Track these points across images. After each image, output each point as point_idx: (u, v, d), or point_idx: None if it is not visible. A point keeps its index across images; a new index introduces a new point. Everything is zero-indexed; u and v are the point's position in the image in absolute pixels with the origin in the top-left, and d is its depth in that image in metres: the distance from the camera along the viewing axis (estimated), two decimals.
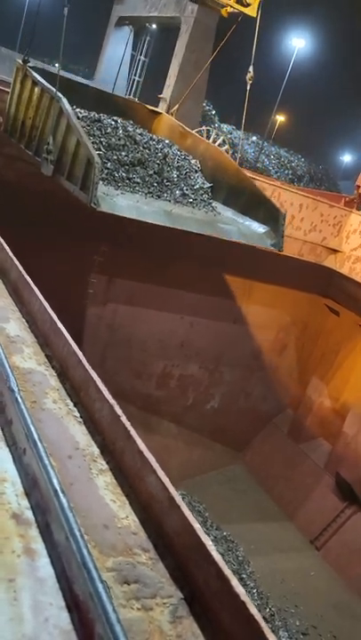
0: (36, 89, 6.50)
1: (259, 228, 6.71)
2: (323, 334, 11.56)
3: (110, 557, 1.56)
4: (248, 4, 7.62)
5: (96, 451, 2.00)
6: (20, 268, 2.96)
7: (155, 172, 6.80)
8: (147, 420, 10.25)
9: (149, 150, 6.93)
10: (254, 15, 7.70)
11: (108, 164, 6.48)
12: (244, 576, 7.36)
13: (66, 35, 6.24)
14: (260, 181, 9.52)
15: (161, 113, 8.06)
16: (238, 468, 11.27)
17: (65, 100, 5.97)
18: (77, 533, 1.44)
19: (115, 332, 9.63)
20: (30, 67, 6.73)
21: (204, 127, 12.11)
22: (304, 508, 10.40)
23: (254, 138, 20.47)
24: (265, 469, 11.11)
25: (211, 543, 1.44)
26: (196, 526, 1.46)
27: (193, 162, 7.47)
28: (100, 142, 6.59)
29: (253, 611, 1.20)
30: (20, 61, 6.80)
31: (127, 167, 6.60)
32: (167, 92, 13.35)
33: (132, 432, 1.80)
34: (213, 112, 19.12)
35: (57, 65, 6.80)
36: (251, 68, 7.99)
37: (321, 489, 10.47)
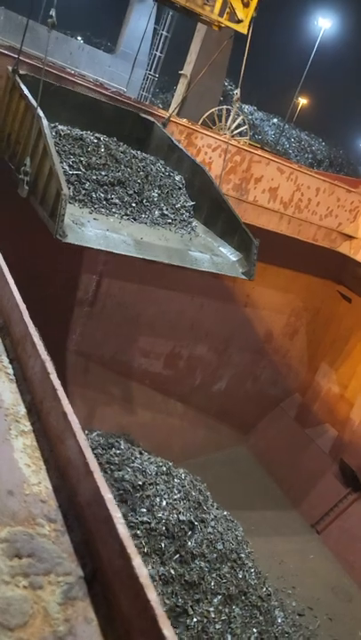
0: (22, 103, 6.31)
1: (232, 255, 6.61)
2: (334, 321, 11.49)
3: (6, 527, 1.38)
4: (240, 21, 7.29)
5: (22, 410, 1.83)
6: None
7: (135, 192, 6.66)
8: (153, 398, 10.33)
9: (131, 169, 6.78)
10: (245, 32, 7.38)
11: (87, 185, 6.33)
12: (242, 555, 7.44)
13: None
14: (277, 163, 9.42)
15: (154, 123, 7.88)
16: (243, 450, 11.32)
17: (45, 122, 5.80)
18: None
19: (124, 310, 9.66)
20: (22, 74, 6.52)
21: (224, 107, 11.94)
22: (307, 492, 10.45)
23: (275, 120, 20.11)
24: (269, 453, 11.16)
25: (120, 516, 1.26)
26: (108, 496, 1.30)
27: (178, 178, 7.29)
28: (80, 161, 6.45)
29: (152, 596, 1.09)
30: (10, 69, 6.60)
31: (106, 187, 6.45)
32: (188, 69, 13.11)
33: (60, 392, 1.65)
34: (237, 92, 18.82)
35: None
36: (237, 91, 7.79)
37: (325, 474, 10.50)
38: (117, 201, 6.42)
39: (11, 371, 2.00)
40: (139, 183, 6.72)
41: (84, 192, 6.25)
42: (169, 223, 6.71)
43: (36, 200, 5.81)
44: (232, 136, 11.05)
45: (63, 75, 7.29)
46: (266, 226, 9.44)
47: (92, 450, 7.27)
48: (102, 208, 6.24)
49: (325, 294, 11.34)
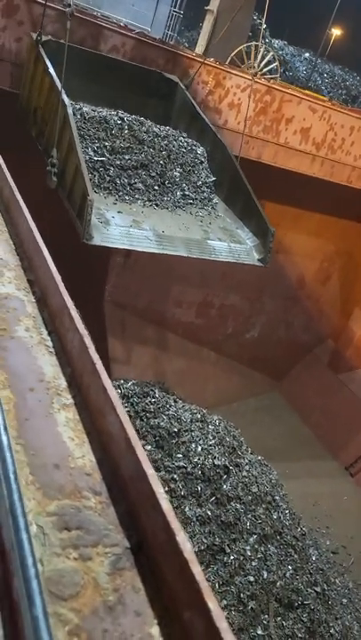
0: (47, 79, 6.11)
1: (249, 239, 6.62)
2: None
3: (55, 500, 1.42)
4: None
5: (63, 384, 1.82)
6: (12, 184, 2.71)
7: (157, 174, 6.63)
8: (186, 347, 10.44)
9: (154, 149, 6.71)
10: None
11: (111, 171, 6.31)
12: (276, 497, 7.66)
13: None
14: (309, 102, 9.03)
15: (177, 83, 7.56)
16: (276, 396, 11.45)
17: (70, 113, 5.69)
18: (11, 475, 1.32)
19: (157, 263, 9.65)
20: (45, 41, 6.24)
21: (253, 43, 11.38)
22: (340, 436, 10.57)
23: (307, 55, 19.02)
24: (303, 398, 11.25)
25: (163, 491, 1.29)
26: (150, 472, 1.33)
27: (200, 152, 7.17)
28: (105, 146, 6.39)
29: (196, 570, 1.11)
30: (34, 38, 6.32)
31: (130, 172, 6.43)
32: (214, 4, 12.45)
33: (99, 365, 1.66)
34: (264, 26, 17.84)
35: None
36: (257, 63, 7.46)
37: (358, 418, 10.57)
38: (141, 185, 6.47)
39: (50, 343, 2.00)
40: (161, 164, 6.73)
41: (108, 179, 6.29)
42: (190, 204, 6.78)
43: (63, 193, 5.84)
44: (262, 74, 10.58)
45: (86, 17, 7.04)
46: (297, 169, 9.17)
47: (128, 398, 7.49)
48: (126, 195, 6.31)
49: (359, 238, 11.07)
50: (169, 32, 13.80)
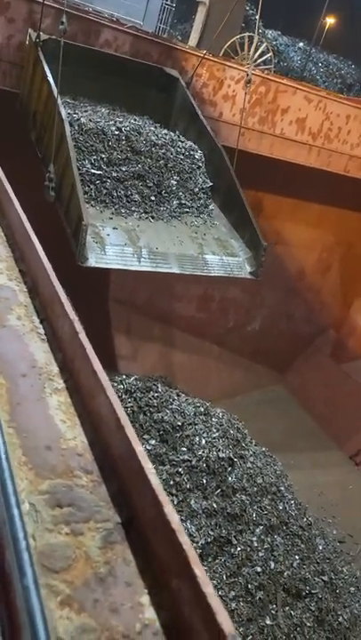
0: (45, 85, 6.05)
1: (242, 251, 6.63)
2: None
3: (47, 480, 1.46)
4: None
5: (55, 369, 1.87)
6: (3, 176, 2.74)
7: (154, 184, 6.62)
8: (188, 341, 10.45)
9: (151, 159, 6.67)
10: None
11: (108, 184, 6.29)
12: (282, 488, 7.67)
13: None
14: (304, 92, 9.00)
15: (178, 79, 7.49)
16: (279, 388, 11.45)
17: (68, 129, 5.66)
18: (2, 455, 1.35)
19: None
20: (44, 40, 6.16)
21: (246, 34, 11.34)
22: (344, 425, 10.57)
23: (301, 44, 18.93)
24: (306, 390, 11.25)
25: (151, 467, 1.34)
26: (139, 449, 1.37)
27: (197, 157, 7.12)
28: (101, 159, 6.36)
29: (183, 539, 1.15)
30: (33, 38, 6.24)
31: (126, 183, 6.42)
32: None
33: (89, 349, 1.70)
34: (258, 16, 17.71)
35: None
36: (249, 72, 7.38)
37: None
38: (137, 197, 6.46)
39: (42, 331, 2.05)
40: (158, 174, 6.70)
41: (105, 192, 6.29)
42: (186, 212, 6.79)
43: (61, 207, 5.84)
44: (256, 65, 10.55)
45: (78, 13, 7.03)
46: (294, 159, 9.15)
47: (131, 394, 7.49)
48: (122, 208, 6.31)
49: (359, 228, 11.05)
50: (161, 25, 13.74)
